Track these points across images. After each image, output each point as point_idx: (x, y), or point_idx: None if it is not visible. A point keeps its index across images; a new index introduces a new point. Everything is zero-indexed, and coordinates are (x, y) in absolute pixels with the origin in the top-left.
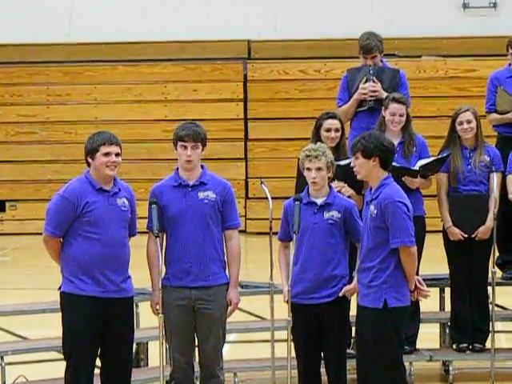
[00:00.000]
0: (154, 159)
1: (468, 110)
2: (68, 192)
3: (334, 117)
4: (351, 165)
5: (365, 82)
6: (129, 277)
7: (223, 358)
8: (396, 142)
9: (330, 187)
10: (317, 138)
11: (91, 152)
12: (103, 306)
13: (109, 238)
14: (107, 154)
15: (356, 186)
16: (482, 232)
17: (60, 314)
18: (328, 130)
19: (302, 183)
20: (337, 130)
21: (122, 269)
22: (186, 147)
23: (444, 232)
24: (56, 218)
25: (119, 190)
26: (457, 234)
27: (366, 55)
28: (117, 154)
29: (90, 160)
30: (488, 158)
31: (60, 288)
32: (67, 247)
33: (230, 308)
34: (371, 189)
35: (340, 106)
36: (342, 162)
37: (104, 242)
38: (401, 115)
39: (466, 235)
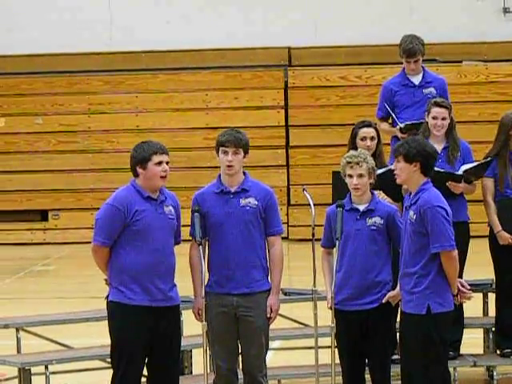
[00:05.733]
0: (195, 167)
1: None
2: (117, 201)
3: (369, 125)
4: (392, 167)
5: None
6: (175, 285)
7: (267, 365)
8: (440, 147)
9: (373, 193)
10: (353, 146)
11: (142, 161)
12: (152, 314)
13: (157, 247)
14: (160, 163)
15: (393, 194)
16: None
17: (104, 322)
18: (363, 139)
19: (339, 192)
20: (372, 139)
21: (170, 277)
22: (227, 153)
23: (490, 237)
24: (106, 228)
25: (165, 198)
26: (507, 238)
27: (409, 59)
28: (167, 163)
29: (140, 170)
30: None
31: (107, 297)
32: (116, 256)
33: (269, 314)
34: (410, 194)
35: (380, 118)
36: (378, 171)
37: (152, 251)
38: (443, 119)
39: None
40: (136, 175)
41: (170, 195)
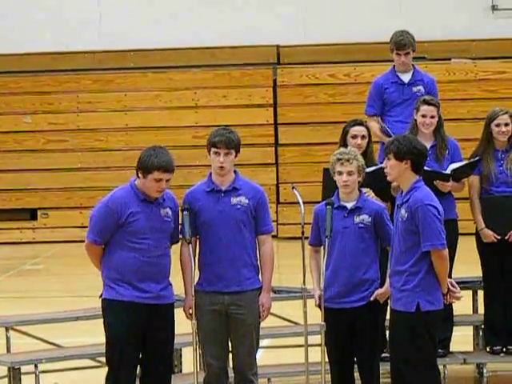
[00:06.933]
0: (184, 165)
1: (506, 112)
2: (112, 201)
3: (360, 124)
4: (383, 165)
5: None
6: (170, 284)
7: (257, 363)
8: (428, 145)
9: (360, 191)
10: (343, 144)
11: (144, 170)
12: (143, 311)
13: (150, 248)
14: (159, 181)
15: (382, 193)
16: None
17: (94, 321)
18: (354, 137)
19: (329, 189)
20: (363, 137)
21: (162, 278)
22: (218, 154)
23: (477, 234)
24: (98, 226)
25: (163, 200)
26: (490, 235)
27: (400, 51)
28: (167, 180)
29: (140, 175)
30: None
31: (101, 295)
32: (108, 255)
33: (261, 313)
34: (402, 192)
35: (370, 115)
36: (368, 169)
37: (145, 252)
38: (432, 117)
39: (499, 237)
40: (138, 176)
41: (169, 197)
